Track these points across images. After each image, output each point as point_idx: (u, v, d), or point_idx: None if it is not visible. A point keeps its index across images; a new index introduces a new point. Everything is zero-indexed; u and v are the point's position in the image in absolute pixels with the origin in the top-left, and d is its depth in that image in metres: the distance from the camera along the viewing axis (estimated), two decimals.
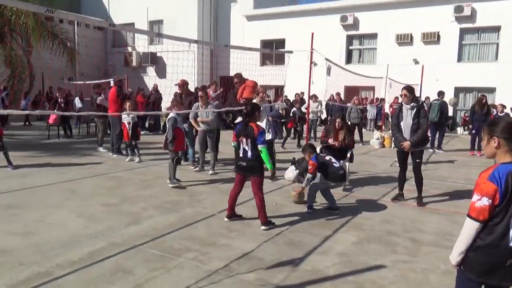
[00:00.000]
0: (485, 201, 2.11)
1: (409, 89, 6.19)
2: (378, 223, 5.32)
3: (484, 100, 11.81)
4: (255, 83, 8.53)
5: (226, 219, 5.15)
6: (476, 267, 2.20)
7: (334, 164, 5.56)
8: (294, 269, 3.84)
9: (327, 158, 5.71)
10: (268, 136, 7.10)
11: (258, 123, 5.11)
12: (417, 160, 6.19)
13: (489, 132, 2.26)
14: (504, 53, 18.62)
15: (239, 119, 7.58)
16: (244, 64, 8.94)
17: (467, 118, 16.85)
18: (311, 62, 8.29)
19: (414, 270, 3.93)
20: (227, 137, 9.58)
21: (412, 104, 6.12)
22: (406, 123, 6.14)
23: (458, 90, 19.55)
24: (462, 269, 2.27)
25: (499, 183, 2.09)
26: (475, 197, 2.16)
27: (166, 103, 12.55)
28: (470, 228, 2.18)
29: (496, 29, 19.00)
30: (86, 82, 17.03)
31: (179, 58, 14.96)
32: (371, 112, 19.04)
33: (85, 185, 6.89)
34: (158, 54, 24.31)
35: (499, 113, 11.34)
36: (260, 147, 4.85)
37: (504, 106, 11.58)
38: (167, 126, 6.96)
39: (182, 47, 18.81)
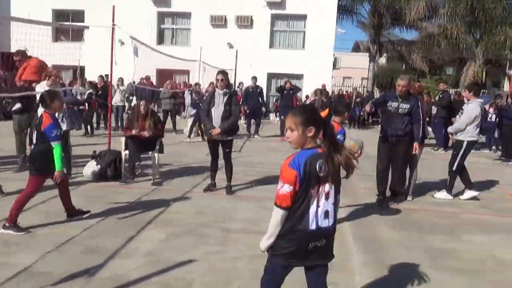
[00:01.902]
0: (287, 188, 2.34)
1: (225, 73, 6.53)
2: (190, 216, 5.53)
3: (288, 85, 13.46)
4: (40, 62, 7.73)
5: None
6: (282, 252, 2.46)
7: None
8: (89, 279, 3.68)
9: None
10: (63, 127, 6.57)
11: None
12: (227, 150, 6.62)
13: (304, 121, 2.42)
14: (310, 42, 21.53)
15: (17, 105, 6.80)
16: (31, 41, 7.94)
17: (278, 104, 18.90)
18: (112, 40, 7.97)
19: (224, 259, 4.23)
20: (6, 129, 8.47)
21: (225, 90, 6.46)
22: (218, 110, 6.46)
23: (270, 76, 21.73)
24: (271, 254, 2.52)
25: (298, 169, 2.34)
26: (279, 184, 2.38)
27: None
28: (276, 215, 2.41)
29: (303, 17, 21.77)
30: None
31: None
32: (188, 98, 19.48)
33: None
34: None
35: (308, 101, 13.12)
36: (53, 144, 4.56)
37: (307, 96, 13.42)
38: None
39: None
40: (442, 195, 7.04)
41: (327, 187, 2.44)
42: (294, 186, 2.33)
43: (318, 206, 2.43)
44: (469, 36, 24.93)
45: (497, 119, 12.94)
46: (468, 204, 6.80)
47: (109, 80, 8.83)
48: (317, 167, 2.38)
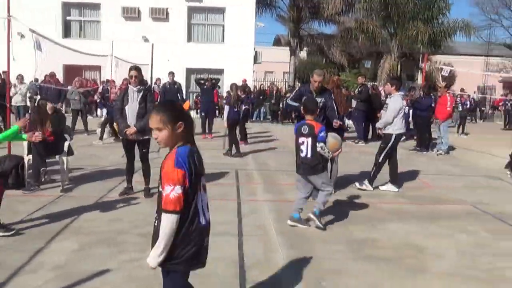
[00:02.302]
0: (179, 190, 2.31)
1: (138, 69, 6.39)
2: (105, 223, 5.35)
3: (208, 84, 13.49)
4: None
5: None
6: (182, 259, 2.41)
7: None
8: None
9: None
10: None
11: None
12: (144, 150, 6.49)
13: (172, 118, 2.40)
14: (230, 35, 21.66)
15: None
16: None
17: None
18: (8, 33, 7.46)
19: (143, 266, 4.12)
20: None
21: (139, 86, 6.33)
22: (132, 107, 6.31)
23: (189, 72, 21.56)
24: (168, 266, 2.43)
25: (185, 167, 2.33)
26: (168, 188, 2.31)
27: None
28: (171, 222, 2.32)
29: (221, 10, 21.84)
30: None
31: None
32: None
33: None
34: None
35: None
36: None
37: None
38: None
39: None
40: (382, 187, 7.51)
41: (203, 179, 2.52)
42: (185, 185, 2.33)
43: (202, 200, 2.50)
44: (384, 31, 26.54)
45: (410, 110, 13.90)
46: (386, 194, 7.27)
47: (7, 77, 8.25)
48: (196, 161, 2.43)
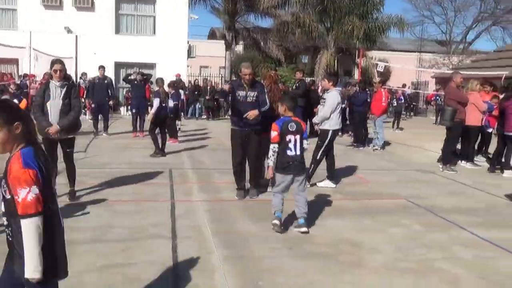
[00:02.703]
0: (36, 190, 2.23)
1: (61, 63, 6.19)
2: None
3: (139, 77, 13.24)
4: None
5: None
6: (53, 269, 2.34)
7: None
8: None
9: None
10: None
11: None
12: (68, 150, 6.27)
13: (7, 120, 2.29)
14: (161, 28, 21.29)
15: None
16: None
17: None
18: None
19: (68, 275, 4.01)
20: None
21: (62, 81, 6.10)
22: (55, 104, 6.08)
23: (118, 66, 20.95)
24: (43, 281, 2.29)
25: (35, 166, 2.26)
26: (23, 192, 2.21)
27: None
28: (34, 228, 2.21)
29: (152, 0, 21.41)
30: None
31: None
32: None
33: None
34: None
35: None
36: None
37: None
38: None
39: None
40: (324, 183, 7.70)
41: (54, 186, 2.55)
42: (40, 185, 2.26)
43: (57, 204, 2.47)
44: (321, 25, 27.26)
45: (347, 106, 14.38)
46: (324, 190, 7.49)
47: None
48: (44, 164, 2.34)
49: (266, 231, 5.33)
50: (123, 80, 14.42)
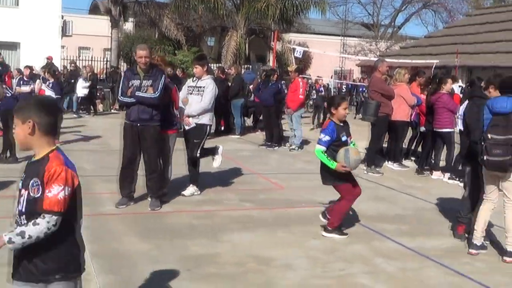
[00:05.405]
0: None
1: None
2: None
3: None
4: None
5: None
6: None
7: None
8: None
9: None
10: None
11: None
12: None
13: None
14: None
15: None
16: None
17: None
18: None
19: None
20: None
21: None
22: None
23: None
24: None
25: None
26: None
27: None
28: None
29: None
30: None
31: None
32: None
33: None
34: None
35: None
36: None
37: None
38: None
39: None
40: (190, 191, 7.57)
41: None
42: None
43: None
44: (229, 1, 27.53)
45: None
46: (230, 199, 7.58)
47: None
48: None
49: (160, 249, 5.30)
50: None
